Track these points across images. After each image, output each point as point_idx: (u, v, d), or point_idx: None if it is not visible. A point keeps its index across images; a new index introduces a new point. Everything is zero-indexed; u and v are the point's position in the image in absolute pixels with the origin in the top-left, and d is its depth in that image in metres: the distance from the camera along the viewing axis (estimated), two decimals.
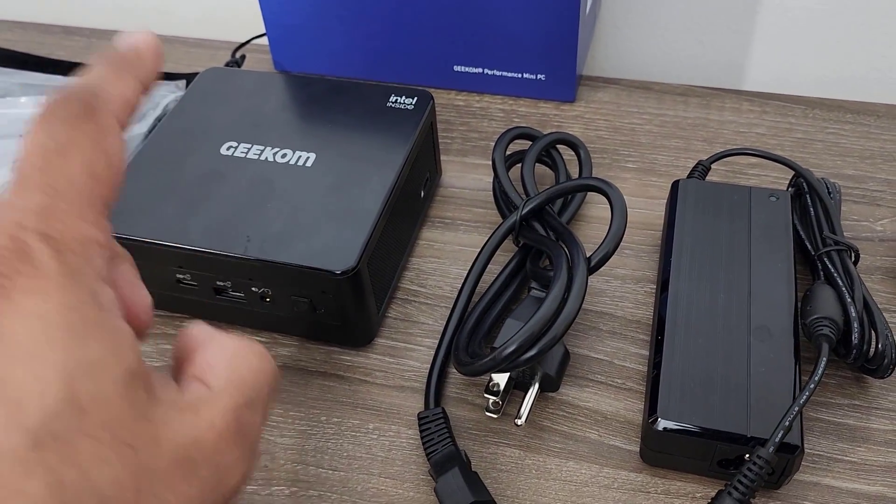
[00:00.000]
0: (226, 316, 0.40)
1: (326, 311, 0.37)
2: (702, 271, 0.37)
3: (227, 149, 0.40)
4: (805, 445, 0.34)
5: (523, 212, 0.39)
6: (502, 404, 0.35)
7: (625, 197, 0.45)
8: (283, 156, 0.40)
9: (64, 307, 0.19)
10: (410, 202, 0.42)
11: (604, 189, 0.37)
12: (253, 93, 0.44)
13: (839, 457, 0.34)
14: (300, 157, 0.40)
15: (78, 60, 0.57)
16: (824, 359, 0.32)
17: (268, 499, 0.34)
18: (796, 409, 0.31)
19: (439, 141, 0.49)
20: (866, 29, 0.52)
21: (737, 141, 0.48)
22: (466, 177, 0.47)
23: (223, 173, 0.39)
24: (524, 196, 0.41)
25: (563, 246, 0.36)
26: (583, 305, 0.39)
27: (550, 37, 0.48)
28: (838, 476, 0.33)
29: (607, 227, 0.36)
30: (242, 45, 0.55)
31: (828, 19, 0.52)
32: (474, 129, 0.50)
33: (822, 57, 0.53)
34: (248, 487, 0.34)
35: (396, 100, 0.42)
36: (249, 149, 0.40)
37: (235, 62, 0.52)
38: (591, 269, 0.36)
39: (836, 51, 0.53)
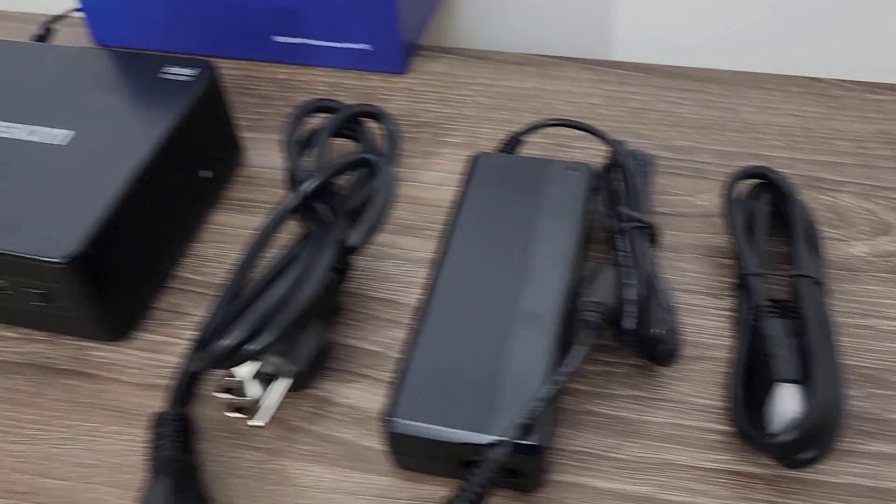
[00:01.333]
0: None
1: (65, 304, 0.33)
2: (478, 252, 0.33)
3: None
4: (568, 442, 0.31)
5: (302, 190, 0.36)
6: (248, 402, 0.32)
7: (438, 173, 0.42)
8: (34, 133, 0.36)
9: None
10: (185, 184, 0.38)
11: (372, 162, 0.34)
12: (25, 66, 0.40)
13: (607, 454, 0.30)
14: (55, 134, 0.36)
15: None
16: (580, 347, 0.29)
17: None
18: (533, 404, 0.27)
19: (250, 119, 0.45)
20: None
21: (568, 111, 0.45)
22: (273, 155, 0.43)
23: None
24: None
25: (328, 228, 0.33)
26: (361, 291, 0.36)
27: (368, 4, 0.44)
28: (603, 475, 0.30)
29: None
30: (58, 18, 0.51)
31: None
32: (291, 104, 0.46)
33: (674, 21, 0.50)
34: None
35: (171, 70, 0.39)
36: None
37: (41, 36, 0.48)
38: (351, 249, 0.32)
39: (688, 14, 0.49)
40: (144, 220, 0.35)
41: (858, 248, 0.37)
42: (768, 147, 0.42)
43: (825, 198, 0.39)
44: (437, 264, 0.34)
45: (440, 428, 0.28)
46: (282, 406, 0.33)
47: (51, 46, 0.42)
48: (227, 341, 0.29)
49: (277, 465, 0.31)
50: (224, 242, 0.39)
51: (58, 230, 0.32)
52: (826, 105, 0.44)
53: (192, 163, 0.38)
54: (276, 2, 0.46)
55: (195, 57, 0.40)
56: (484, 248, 0.33)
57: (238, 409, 0.32)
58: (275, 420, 0.32)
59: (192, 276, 0.38)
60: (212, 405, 0.33)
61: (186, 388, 0.33)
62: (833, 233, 0.38)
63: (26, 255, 0.31)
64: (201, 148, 0.39)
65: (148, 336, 0.36)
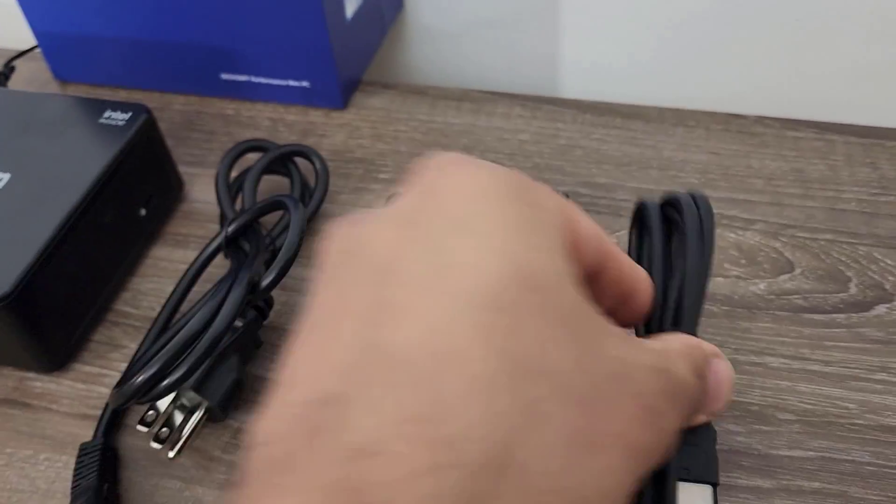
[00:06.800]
0: None
1: (1, 339, 0.36)
2: None
3: None
4: None
5: (227, 230, 0.38)
6: (170, 433, 0.34)
7: (366, 210, 0.44)
8: None
9: (507, 199, 0.19)
10: (121, 221, 0.40)
11: (286, 205, 0.36)
12: None
13: None
14: None
15: None
16: None
17: None
18: None
19: (194, 154, 0.47)
20: (654, 28, 0.50)
21: (497, 147, 0.46)
22: (213, 191, 0.45)
23: None
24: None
25: (244, 267, 0.35)
26: (285, 326, 0.38)
27: (303, 43, 0.46)
28: None
29: None
30: (22, 53, 0.53)
31: (626, 25, 0.51)
32: (235, 140, 0.48)
33: (606, 57, 0.52)
34: None
35: (110, 115, 0.41)
36: None
37: (3, 73, 0.51)
38: (263, 290, 0.35)
39: (619, 50, 0.51)
40: (79, 259, 0.37)
41: (759, 286, 0.39)
42: (685, 184, 0.43)
43: (733, 235, 0.41)
44: None
45: None
46: (201, 437, 0.35)
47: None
48: (139, 378, 0.31)
49: (194, 493, 0.33)
50: (161, 276, 0.41)
51: None
52: (745, 142, 0.46)
53: (129, 202, 0.41)
54: (221, 41, 0.48)
55: (131, 102, 0.42)
56: None
57: (162, 440, 0.34)
58: (195, 450, 0.34)
59: (129, 310, 0.40)
60: (139, 436, 0.35)
61: (110, 419, 0.35)
62: (737, 271, 0.39)
63: None
64: (138, 187, 0.41)
65: (84, 368, 0.38)
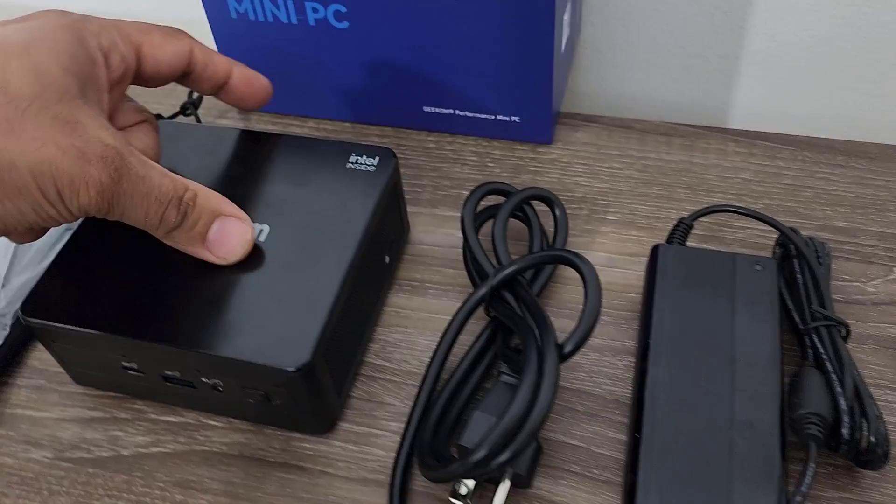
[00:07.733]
0: (178, 400, 0.37)
1: (282, 403, 0.34)
2: (683, 354, 0.34)
3: None
4: None
5: (494, 282, 0.37)
6: None
7: (603, 254, 0.43)
8: None
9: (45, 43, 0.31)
10: (374, 271, 0.39)
11: (576, 264, 0.35)
12: (204, 152, 0.41)
13: None
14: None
15: None
16: (812, 465, 0.30)
17: None
18: None
19: (406, 192, 0.46)
20: (857, 62, 0.49)
21: (722, 187, 0.45)
22: (437, 231, 0.44)
23: (167, 254, 0.36)
24: (496, 263, 0.38)
25: (534, 328, 0.34)
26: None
27: (523, 77, 0.45)
28: None
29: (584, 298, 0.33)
30: None
31: (817, 52, 0.49)
32: (446, 176, 0.47)
33: (812, 92, 0.51)
34: None
35: (357, 160, 0.39)
36: None
37: (192, 103, 0.49)
38: (565, 357, 0.33)
39: (825, 86, 0.50)
40: (351, 314, 0.36)
41: None
42: None
43: None
44: (642, 365, 0.35)
45: None
46: None
47: (227, 129, 0.42)
48: (469, 461, 0.30)
49: None
50: (406, 326, 0.40)
51: (286, 337, 0.33)
52: None
53: (380, 250, 0.39)
54: (430, 74, 0.47)
55: (376, 146, 0.40)
56: (688, 349, 0.34)
57: None
58: None
59: (382, 363, 0.39)
60: (430, 501, 0.34)
61: (402, 485, 0.34)
62: None
63: (255, 363, 0.32)
64: (386, 234, 0.40)
65: (351, 427, 0.37)
